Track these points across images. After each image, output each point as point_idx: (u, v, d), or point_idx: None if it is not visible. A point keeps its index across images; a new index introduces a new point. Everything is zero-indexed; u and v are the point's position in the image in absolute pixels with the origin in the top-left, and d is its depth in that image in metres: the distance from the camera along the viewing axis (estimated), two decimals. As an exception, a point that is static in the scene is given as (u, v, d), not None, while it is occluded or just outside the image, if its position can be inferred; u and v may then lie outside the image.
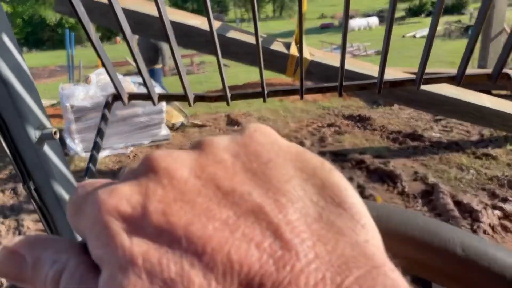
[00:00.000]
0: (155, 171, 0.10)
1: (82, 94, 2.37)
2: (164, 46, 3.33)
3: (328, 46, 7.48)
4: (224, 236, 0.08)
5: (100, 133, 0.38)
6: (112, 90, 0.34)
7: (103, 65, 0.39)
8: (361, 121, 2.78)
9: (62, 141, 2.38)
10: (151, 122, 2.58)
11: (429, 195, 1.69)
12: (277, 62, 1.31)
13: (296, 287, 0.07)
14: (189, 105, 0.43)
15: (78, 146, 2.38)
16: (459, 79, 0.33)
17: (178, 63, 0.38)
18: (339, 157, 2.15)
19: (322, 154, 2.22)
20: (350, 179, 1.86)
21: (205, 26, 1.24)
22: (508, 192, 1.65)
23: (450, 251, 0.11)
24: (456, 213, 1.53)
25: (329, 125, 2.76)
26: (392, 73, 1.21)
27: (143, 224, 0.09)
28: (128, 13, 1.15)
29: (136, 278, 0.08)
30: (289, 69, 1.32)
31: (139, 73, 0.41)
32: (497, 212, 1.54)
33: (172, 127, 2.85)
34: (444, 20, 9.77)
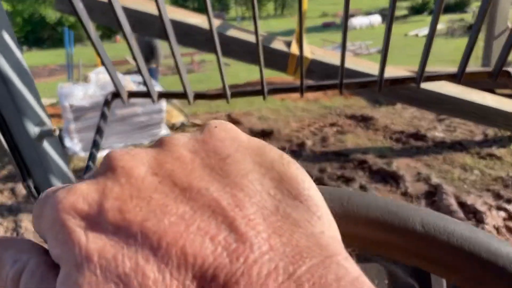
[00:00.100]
0: (113, 170, 0.10)
1: (81, 94, 2.38)
2: (158, 45, 3.33)
3: (330, 45, 7.47)
4: (179, 230, 0.08)
5: (99, 131, 0.38)
6: (111, 89, 0.34)
7: (103, 63, 0.40)
8: (364, 120, 2.77)
9: (60, 140, 2.39)
10: (151, 121, 2.59)
11: (432, 196, 1.68)
12: (277, 60, 1.32)
13: (249, 277, 0.08)
14: (189, 102, 0.43)
15: (77, 145, 2.39)
16: (459, 77, 0.33)
17: (177, 61, 0.38)
18: (341, 157, 2.14)
19: (324, 154, 2.22)
20: (352, 179, 1.85)
21: (205, 25, 1.24)
22: (512, 193, 1.64)
23: (410, 229, 0.12)
24: (460, 214, 1.53)
25: (331, 125, 2.75)
26: (394, 72, 1.21)
27: (100, 222, 0.09)
28: (128, 12, 1.15)
29: (90, 275, 0.08)
30: (290, 67, 1.32)
31: (139, 70, 0.41)
32: (502, 213, 1.54)
33: (172, 127, 2.86)
34: (446, 18, 9.73)
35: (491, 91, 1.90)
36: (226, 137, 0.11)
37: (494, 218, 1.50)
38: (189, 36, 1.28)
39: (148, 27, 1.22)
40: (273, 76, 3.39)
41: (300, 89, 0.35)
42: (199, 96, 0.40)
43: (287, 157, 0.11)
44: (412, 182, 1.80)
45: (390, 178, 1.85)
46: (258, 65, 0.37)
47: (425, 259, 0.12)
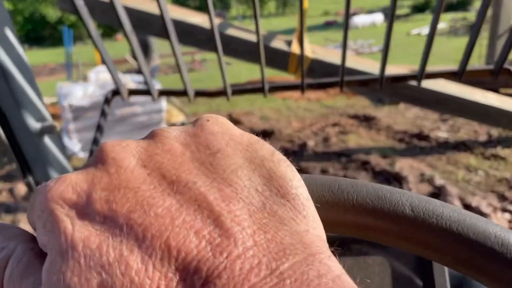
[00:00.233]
0: (103, 161, 0.10)
1: (80, 93, 2.39)
2: (152, 43, 3.33)
3: (332, 44, 7.47)
4: (164, 223, 0.09)
5: (100, 128, 0.38)
6: (111, 88, 0.34)
7: (103, 61, 0.40)
8: (366, 120, 2.76)
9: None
10: (151, 121, 2.59)
11: (436, 197, 1.67)
12: (278, 59, 1.31)
13: (231, 271, 0.08)
14: (189, 100, 0.43)
15: (76, 145, 2.40)
16: (460, 74, 0.33)
17: (178, 59, 0.38)
18: (343, 158, 2.14)
19: (326, 154, 2.22)
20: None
21: (206, 24, 1.25)
22: (517, 194, 1.63)
23: (400, 213, 0.12)
24: (464, 215, 1.51)
25: (333, 125, 2.75)
26: (395, 71, 1.20)
27: (87, 211, 0.09)
28: (129, 11, 1.16)
29: (74, 263, 0.08)
30: (291, 66, 1.32)
31: (139, 68, 0.41)
32: (507, 215, 1.53)
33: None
34: (449, 17, 9.69)
35: (495, 90, 1.89)
36: (218, 131, 0.11)
37: (499, 220, 1.49)
38: (190, 35, 1.28)
39: (149, 26, 1.23)
40: (274, 75, 3.39)
41: (301, 87, 0.35)
42: (199, 93, 0.40)
43: (278, 155, 0.11)
44: (416, 183, 1.79)
45: (393, 179, 1.85)
46: (259, 63, 0.37)
47: (415, 243, 0.12)
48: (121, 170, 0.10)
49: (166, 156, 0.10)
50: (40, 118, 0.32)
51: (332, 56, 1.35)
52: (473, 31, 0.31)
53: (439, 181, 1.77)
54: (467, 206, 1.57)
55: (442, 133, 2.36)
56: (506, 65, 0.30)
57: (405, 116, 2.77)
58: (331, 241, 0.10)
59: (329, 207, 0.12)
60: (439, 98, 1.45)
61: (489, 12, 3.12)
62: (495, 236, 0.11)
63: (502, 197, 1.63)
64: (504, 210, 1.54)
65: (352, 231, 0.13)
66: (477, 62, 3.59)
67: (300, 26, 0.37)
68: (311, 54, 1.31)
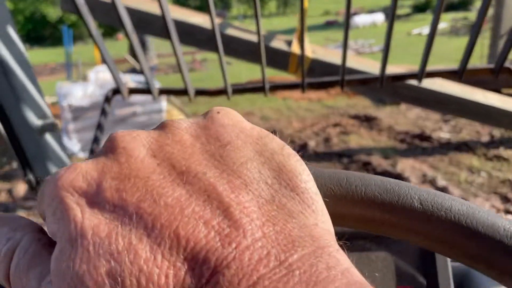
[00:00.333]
0: (114, 150, 0.10)
1: (80, 93, 2.39)
2: (149, 42, 3.33)
3: (332, 43, 7.47)
4: (173, 212, 0.09)
5: (100, 127, 0.38)
6: (111, 88, 0.34)
7: (103, 60, 0.40)
8: (367, 121, 2.76)
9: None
10: (151, 121, 2.59)
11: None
12: (278, 59, 1.31)
13: (240, 262, 0.08)
14: (189, 99, 0.43)
15: (75, 146, 2.40)
16: (460, 73, 0.33)
17: (179, 59, 0.38)
18: (344, 159, 2.13)
19: (327, 155, 2.21)
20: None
21: (207, 24, 1.25)
22: (520, 196, 1.62)
23: (408, 207, 0.12)
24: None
25: (334, 125, 2.74)
26: (396, 70, 1.20)
27: (97, 200, 0.09)
28: (130, 11, 1.16)
29: (83, 251, 0.08)
30: (291, 66, 1.32)
31: (140, 66, 0.41)
32: (510, 217, 1.51)
33: (172, 127, 2.86)
34: (450, 17, 9.69)
35: (497, 91, 1.89)
36: (228, 123, 0.11)
37: (502, 221, 1.47)
38: (190, 35, 1.28)
39: (149, 26, 1.23)
40: (274, 75, 3.39)
41: (301, 86, 0.34)
42: (200, 92, 0.40)
43: (288, 149, 0.11)
44: (418, 185, 1.78)
45: (394, 180, 1.83)
46: (259, 63, 0.37)
47: (423, 236, 0.12)
48: (131, 159, 0.10)
49: (176, 147, 0.10)
50: (41, 115, 0.32)
51: (332, 56, 1.35)
52: (474, 30, 0.31)
53: (441, 182, 1.77)
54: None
55: (444, 134, 2.36)
56: (506, 64, 0.30)
57: (406, 117, 2.77)
58: (339, 236, 0.10)
59: (337, 201, 0.12)
60: (440, 98, 1.44)
61: (491, 12, 3.11)
62: (504, 229, 0.11)
63: (505, 199, 1.62)
64: (507, 211, 1.54)
65: (360, 225, 0.13)
66: (479, 62, 3.59)
67: (300, 26, 0.37)
68: (311, 54, 1.31)
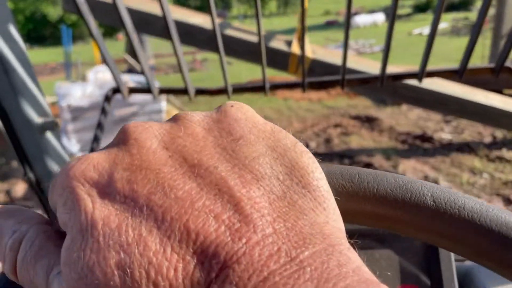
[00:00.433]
0: (126, 141, 0.10)
1: (79, 93, 2.39)
2: (146, 41, 3.35)
3: (333, 43, 7.48)
4: (184, 206, 0.09)
5: (100, 126, 0.38)
6: (110, 88, 0.34)
7: (103, 59, 0.39)
8: (368, 121, 2.76)
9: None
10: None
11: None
12: (278, 59, 1.31)
13: (250, 257, 0.08)
14: (190, 98, 0.43)
15: (74, 146, 2.40)
16: (461, 73, 0.33)
17: (179, 58, 0.38)
18: (345, 160, 2.13)
19: (328, 156, 2.21)
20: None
21: (207, 25, 1.25)
22: (523, 197, 1.62)
23: (421, 204, 0.12)
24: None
25: (335, 126, 2.74)
26: (396, 70, 1.19)
27: (108, 191, 0.09)
28: (130, 11, 1.17)
29: (93, 241, 0.08)
30: (291, 66, 1.32)
31: (140, 65, 0.41)
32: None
33: (171, 127, 2.86)
34: (451, 17, 9.70)
35: (499, 91, 1.88)
36: (241, 118, 0.11)
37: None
38: (191, 35, 1.28)
39: (150, 27, 1.24)
40: (275, 75, 3.39)
41: (302, 85, 0.34)
42: (200, 92, 0.40)
43: (300, 146, 0.11)
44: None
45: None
46: (259, 63, 0.37)
47: (436, 234, 0.12)
48: (143, 151, 0.10)
49: (188, 140, 0.10)
50: (41, 114, 0.32)
51: (332, 56, 1.35)
52: (474, 29, 0.31)
53: (443, 184, 1.76)
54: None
55: (445, 135, 2.35)
56: (507, 64, 0.30)
57: (407, 117, 2.76)
58: (349, 234, 0.10)
59: (349, 197, 0.12)
60: (441, 99, 1.44)
61: (493, 12, 3.10)
62: None
63: (507, 201, 1.61)
64: (509, 213, 1.52)
65: (371, 222, 0.13)
66: (480, 62, 3.58)
67: (301, 26, 0.36)
68: (311, 54, 1.30)
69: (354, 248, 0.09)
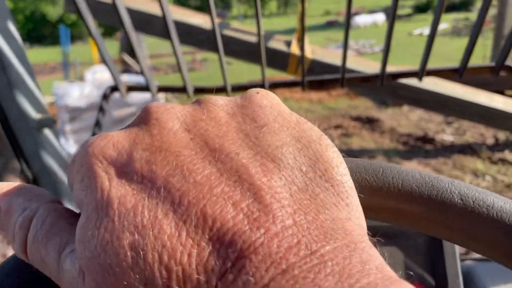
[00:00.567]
0: (147, 121, 0.10)
1: (77, 93, 2.39)
2: (142, 41, 3.37)
3: (333, 43, 7.50)
4: (202, 190, 0.08)
5: (98, 124, 0.39)
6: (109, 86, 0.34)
7: (101, 56, 0.40)
8: (369, 122, 2.76)
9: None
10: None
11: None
12: (277, 59, 1.32)
13: (268, 248, 0.07)
14: (188, 96, 0.43)
15: (72, 147, 2.40)
16: (461, 71, 0.33)
17: (178, 56, 0.38)
18: (345, 161, 2.12)
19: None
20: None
21: (207, 25, 1.25)
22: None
23: (448, 202, 0.12)
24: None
25: (336, 127, 2.74)
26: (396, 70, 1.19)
27: (126, 170, 0.09)
28: (131, 11, 1.18)
29: (108, 221, 0.08)
30: (291, 66, 1.32)
31: (139, 64, 0.41)
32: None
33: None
34: (451, 17, 9.73)
35: (501, 92, 1.88)
36: (267, 105, 0.11)
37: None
38: (190, 35, 1.29)
39: (150, 26, 1.25)
40: (275, 76, 3.39)
41: (301, 84, 0.34)
42: (199, 90, 0.41)
43: (326, 139, 0.11)
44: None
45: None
46: (259, 63, 0.37)
47: (463, 234, 0.12)
48: (164, 131, 0.10)
49: (211, 123, 0.10)
50: (38, 111, 0.32)
51: (332, 56, 1.35)
52: (474, 27, 0.31)
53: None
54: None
55: (447, 136, 2.35)
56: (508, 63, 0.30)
57: (409, 118, 2.77)
58: (372, 232, 0.09)
59: (372, 192, 0.12)
60: (442, 100, 1.44)
61: (495, 12, 3.10)
62: None
63: (509, 202, 1.60)
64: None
65: (394, 218, 0.12)
66: (482, 63, 3.58)
67: (300, 26, 0.37)
68: (311, 54, 1.31)
69: (376, 247, 0.08)
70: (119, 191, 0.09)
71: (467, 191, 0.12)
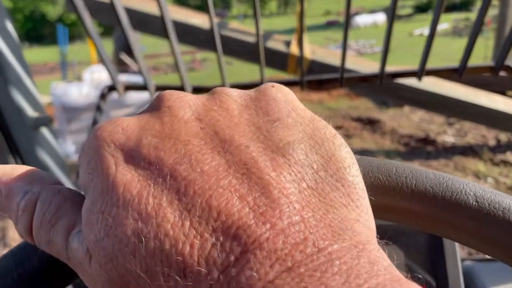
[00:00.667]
0: (159, 108, 0.10)
1: (75, 94, 2.39)
2: (138, 41, 3.43)
3: (333, 43, 7.52)
4: (209, 181, 0.08)
5: (95, 123, 0.39)
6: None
7: (99, 56, 0.40)
8: (370, 123, 2.76)
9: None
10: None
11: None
12: (277, 59, 1.32)
13: (274, 244, 0.07)
14: None
15: (70, 147, 2.40)
16: (461, 71, 0.33)
17: (176, 55, 0.38)
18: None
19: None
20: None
21: (207, 25, 1.26)
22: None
23: (463, 203, 0.11)
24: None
25: (336, 128, 2.72)
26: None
27: (134, 154, 0.09)
28: (130, 11, 1.18)
29: (112, 206, 0.08)
30: (290, 66, 1.32)
31: (137, 64, 0.41)
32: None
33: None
34: (452, 17, 9.76)
35: (502, 93, 1.88)
36: (281, 99, 0.11)
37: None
38: (190, 35, 1.30)
39: (149, 26, 1.25)
40: (275, 76, 3.39)
41: (300, 83, 0.34)
42: (197, 89, 0.41)
43: (340, 138, 0.10)
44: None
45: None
46: (258, 63, 0.37)
47: (477, 236, 0.11)
48: (175, 119, 0.10)
49: (223, 114, 0.10)
50: (35, 109, 0.32)
51: (332, 57, 1.35)
52: (474, 26, 0.31)
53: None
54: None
55: (448, 138, 2.36)
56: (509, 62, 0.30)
57: (410, 119, 2.77)
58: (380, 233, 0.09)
59: (385, 192, 0.12)
60: (443, 101, 1.44)
61: (496, 12, 3.11)
62: None
63: None
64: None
65: (406, 219, 0.12)
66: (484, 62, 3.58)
67: (299, 27, 0.37)
68: (310, 54, 1.31)
69: (384, 250, 0.08)
70: (125, 176, 0.09)
71: (482, 193, 0.11)
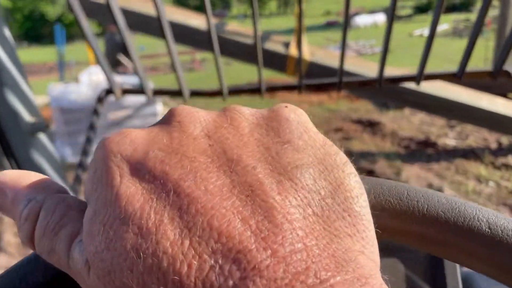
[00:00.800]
0: (169, 122, 0.10)
1: (72, 95, 2.39)
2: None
3: (333, 44, 7.55)
4: (212, 200, 0.08)
5: (92, 127, 0.39)
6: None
7: (96, 57, 0.40)
8: (370, 126, 2.76)
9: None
10: (145, 125, 2.57)
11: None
12: (276, 60, 1.32)
13: (274, 273, 0.07)
14: (184, 100, 0.43)
15: (67, 150, 2.39)
16: (460, 76, 0.34)
17: (174, 58, 0.38)
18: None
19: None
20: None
21: (205, 27, 1.26)
22: (530, 206, 1.62)
23: (475, 230, 0.11)
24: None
25: (336, 130, 2.75)
26: (396, 72, 1.20)
27: (140, 167, 0.09)
28: (128, 12, 1.19)
29: (114, 219, 0.08)
30: (289, 67, 1.33)
31: (134, 67, 0.41)
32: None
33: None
34: (452, 18, 9.82)
35: (504, 95, 1.89)
36: (294, 120, 0.11)
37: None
38: (189, 36, 1.30)
39: (148, 27, 1.26)
40: (274, 77, 3.40)
41: (298, 87, 0.35)
42: (195, 93, 0.41)
43: (350, 167, 0.10)
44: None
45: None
46: (257, 63, 0.37)
47: (489, 264, 0.11)
48: (184, 135, 0.10)
49: (232, 132, 0.10)
50: (32, 115, 0.32)
51: (331, 58, 1.36)
52: (473, 31, 0.31)
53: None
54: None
55: (449, 140, 2.36)
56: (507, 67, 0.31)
57: (410, 122, 2.77)
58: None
59: (395, 215, 0.12)
60: (444, 104, 1.45)
61: (496, 13, 3.13)
62: None
63: (514, 209, 1.61)
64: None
65: (417, 243, 0.12)
66: (483, 65, 3.60)
67: (298, 28, 0.37)
68: (309, 56, 1.32)
69: (387, 284, 0.08)
70: (129, 188, 0.09)
71: (495, 219, 0.11)
